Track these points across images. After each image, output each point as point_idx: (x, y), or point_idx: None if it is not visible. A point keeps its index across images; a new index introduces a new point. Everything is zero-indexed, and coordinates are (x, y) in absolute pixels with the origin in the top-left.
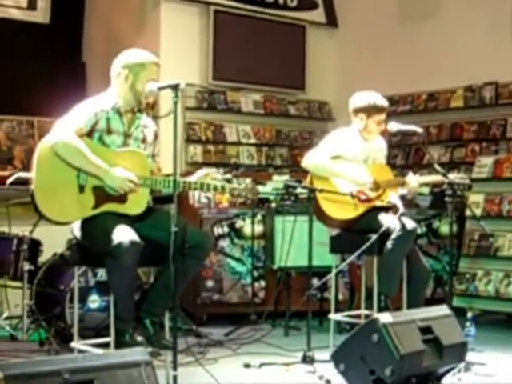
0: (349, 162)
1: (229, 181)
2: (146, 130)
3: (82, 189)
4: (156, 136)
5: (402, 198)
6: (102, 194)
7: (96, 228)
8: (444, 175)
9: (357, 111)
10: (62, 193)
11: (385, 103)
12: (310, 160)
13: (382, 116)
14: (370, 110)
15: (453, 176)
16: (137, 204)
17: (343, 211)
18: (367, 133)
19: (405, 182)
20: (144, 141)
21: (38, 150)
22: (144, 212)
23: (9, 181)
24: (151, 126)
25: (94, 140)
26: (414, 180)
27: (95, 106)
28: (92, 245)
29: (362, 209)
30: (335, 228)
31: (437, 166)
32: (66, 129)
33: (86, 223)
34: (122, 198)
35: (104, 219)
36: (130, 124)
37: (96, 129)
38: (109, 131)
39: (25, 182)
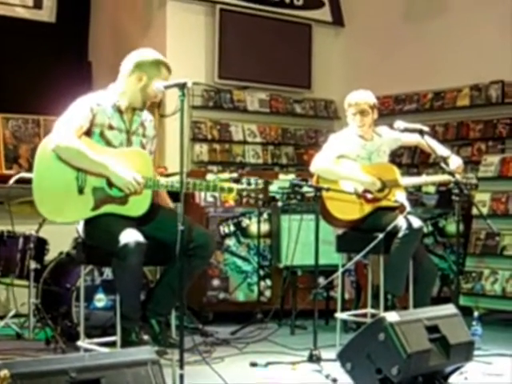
0: (353, 160)
1: (237, 180)
2: (146, 123)
3: (81, 190)
4: (155, 131)
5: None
6: (102, 196)
7: (99, 229)
8: (450, 174)
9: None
10: (61, 194)
11: (353, 98)
12: (317, 165)
13: (355, 109)
14: (347, 107)
15: (459, 176)
16: (139, 205)
17: (349, 212)
18: (356, 129)
19: (396, 185)
20: (144, 135)
21: (39, 151)
22: (149, 210)
23: (11, 180)
24: (151, 121)
25: (95, 136)
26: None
27: (90, 101)
28: (97, 244)
29: (368, 209)
30: (341, 228)
31: (443, 165)
32: (66, 130)
33: (89, 224)
34: (122, 200)
35: (107, 220)
36: (130, 121)
37: (95, 123)
38: (110, 127)
39: (29, 181)
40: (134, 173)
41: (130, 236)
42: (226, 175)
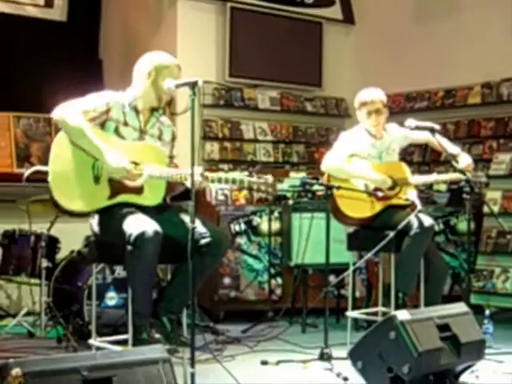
0: (364, 159)
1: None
2: (163, 128)
3: (97, 180)
4: (174, 137)
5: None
6: (118, 185)
7: (114, 220)
8: (461, 172)
9: (356, 110)
10: (78, 183)
11: (368, 96)
12: (328, 163)
13: (370, 108)
14: (359, 106)
15: (470, 174)
16: (153, 195)
17: (360, 209)
18: (369, 127)
19: (407, 183)
20: (160, 138)
21: (56, 140)
22: (161, 209)
23: (26, 174)
24: (170, 126)
25: (109, 131)
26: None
27: (109, 96)
28: (111, 238)
29: (378, 207)
30: (352, 226)
31: (454, 163)
32: (74, 107)
33: (104, 217)
34: (137, 190)
35: (122, 211)
36: (146, 121)
37: (110, 118)
38: (125, 123)
39: (42, 179)
40: (125, 162)
41: (147, 224)
42: (236, 173)
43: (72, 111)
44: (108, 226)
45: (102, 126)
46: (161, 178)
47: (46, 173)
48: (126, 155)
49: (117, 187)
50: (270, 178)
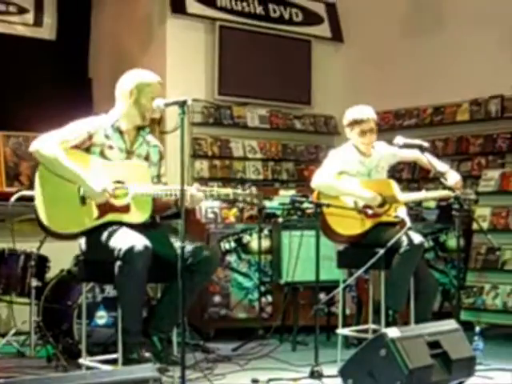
0: (353, 176)
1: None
2: (150, 148)
3: (83, 200)
4: (162, 157)
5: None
6: (105, 205)
7: (102, 237)
8: (450, 189)
9: (345, 127)
10: (65, 205)
11: (363, 115)
12: (318, 180)
13: (363, 127)
14: (352, 124)
15: (459, 192)
16: (140, 212)
17: (350, 227)
18: (361, 145)
19: (396, 200)
20: (147, 158)
21: (39, 167)
22: (151, 227)
23: (12, 198)
24: (157, 146)
25: (95, 155)
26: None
27: (90, 123)
28: (100, 256)
29: (368, 224)
30: (342, 243)
31: (443, 181)
32: (49, 137)
33: (92, 236)
34: (125, 208)
35: (110, 228)
36: (132, 142)
37: (94, 143)
38: (110, 147)
39: (29, 199)
40: (105, 183)
41: (137, 239)
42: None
43: (48, 142)
44: (96, 244)
45: (88, 151)
46: (146, 196)
47: (31, 197)
48: (109, 175)
49: (104, 207)
50: (254, 189)
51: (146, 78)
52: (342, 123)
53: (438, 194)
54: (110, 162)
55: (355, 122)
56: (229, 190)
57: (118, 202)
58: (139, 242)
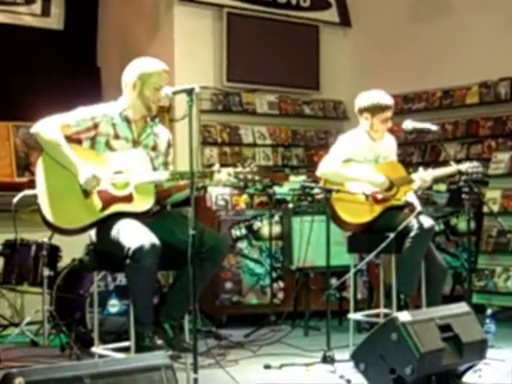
0: (360, 163)
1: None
2: (158, 138)
3: (86, 193)
4: (170, 145)
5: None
6: (108, 196)
7: (111, 232)
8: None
9: (361, 111)
10: (68, 200)
11: (388, 101)
12: (324, 168)
13: (387, 114)
14: (374, 110)
15: (465, 166)
16: (144, 201)
17: (359, 214)
18: (374, 132)
19: (411, 180)
20: (155, 148)
21: (38, 166)
22: (161, 216)
23: (14, 200)
24: (165, 135)
25: (100, 145)
26: (419, 176)
27: (96, 110)
28: (110, 248)
29: (377, 210)
30: (353, 231)
31: (453, 163)
32: (51, 121)
33: (101, 230)
34: (127, 198)
35: (119, 223)
36: (140, 132)
37: (99, 133)
38: (116, 136)
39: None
40: (94, 171)
41: (145, 238)
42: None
43: (50, 124)
44: (105, 237)
45: (93, 140)
46: (148, 183)
47: (33, 196)
48: (109, 166)
49: (107, 198)
50: (254, 166)
51: (150, 68)
52: (352, 108)
53: (443, 171)
54: (108, 154)
55: (380, 108)
56: (230, 170)
57: (119, 193)
58: (147, 240)
